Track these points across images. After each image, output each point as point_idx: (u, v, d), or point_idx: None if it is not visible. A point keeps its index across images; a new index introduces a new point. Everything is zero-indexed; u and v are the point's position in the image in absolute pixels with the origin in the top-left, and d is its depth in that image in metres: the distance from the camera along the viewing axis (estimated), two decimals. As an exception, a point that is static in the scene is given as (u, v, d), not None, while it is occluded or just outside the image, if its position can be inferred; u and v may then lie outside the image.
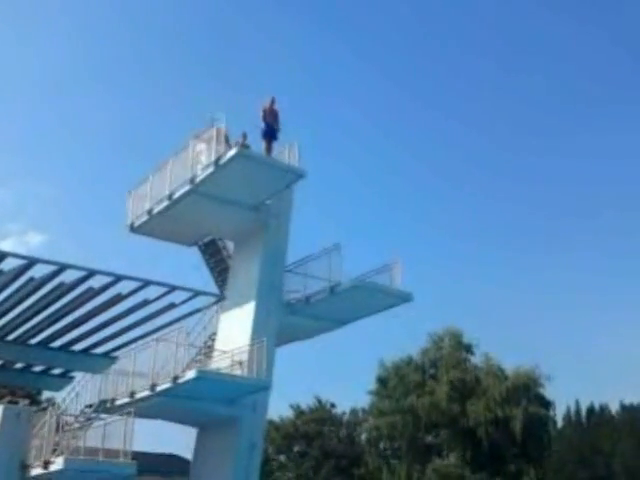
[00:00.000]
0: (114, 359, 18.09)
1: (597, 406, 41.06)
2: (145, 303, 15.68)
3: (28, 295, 14.65)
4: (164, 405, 16.59)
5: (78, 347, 18.07)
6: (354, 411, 46.01)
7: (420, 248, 66.06)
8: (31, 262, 13.31)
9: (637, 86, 68.38)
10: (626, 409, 40.20)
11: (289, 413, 44.98)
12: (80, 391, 17.93)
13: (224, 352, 17.36)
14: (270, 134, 17.94)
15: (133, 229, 19.03)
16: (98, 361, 18.32)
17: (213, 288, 19.99)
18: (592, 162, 70.55)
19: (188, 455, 20.96)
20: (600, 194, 68.88)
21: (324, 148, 65.14)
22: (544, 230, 70.57)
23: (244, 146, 16.93)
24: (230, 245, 20.01)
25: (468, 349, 40.16)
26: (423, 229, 73.96)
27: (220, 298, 17.67)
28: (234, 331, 17.92)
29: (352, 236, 64.09)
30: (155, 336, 17.32)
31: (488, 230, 72.78)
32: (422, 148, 77.90)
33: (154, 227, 18.76)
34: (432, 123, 76.00)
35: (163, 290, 15.02)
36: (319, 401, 45.00)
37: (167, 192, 17.66)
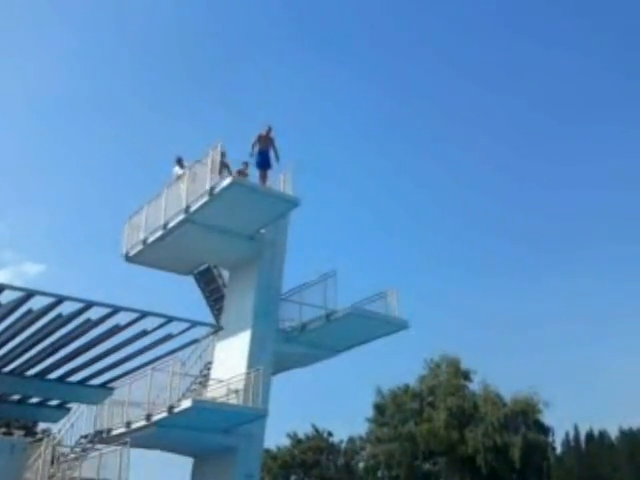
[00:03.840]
0: (111, 390, 18.06)
1: (596, 431, 40.91)
2: (143, 334, 15.67)
3: (25, 327, 14.65)
4: (160, 435, 16.54)
5: (75, 379, 17.99)
6: (351, 439, 45.68)
7: (418, 274, 66.14)
8: (29, 294, 13.30)
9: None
10: (625, 434, 39.98)
11: (286, 442, 44.69)
12: (75, 422, 17.87)
13: (220, 381, 17.38)
14: (264, 163, 18.13)
15: (128, 258, 19.18)
16: (95, 392, 18.20)
17: (208, 316, 20.06)
18: (581, 191, 71.21)
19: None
20: (592, 225, 69.45)
21: (321, 171, 65.57)
22: (539, 258, 70.78)
23: (243, 174, 17.11)
24: (225, 273, 20.13)
25: (466, 376, 40.02)
26: (420, 255, 74.18)
27: (217, 328, 17.74)
28: (230, 360, 17.95)
29: (348, 262, 64.24)
30: (152, 366, 17.29)
31: (484, 258, 72.91)
32: (421, 173, 78.56)
33: (149, 256, 18.90)
34: (431, 147, 76.64)
35: (161, 321, 15.02)
36: (316, 429, 44.67)
37: (162, 221, 17.83)
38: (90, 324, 14.57)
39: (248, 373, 16.80)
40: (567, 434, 41.35)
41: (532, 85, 75.52)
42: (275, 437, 43.12)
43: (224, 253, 18.98)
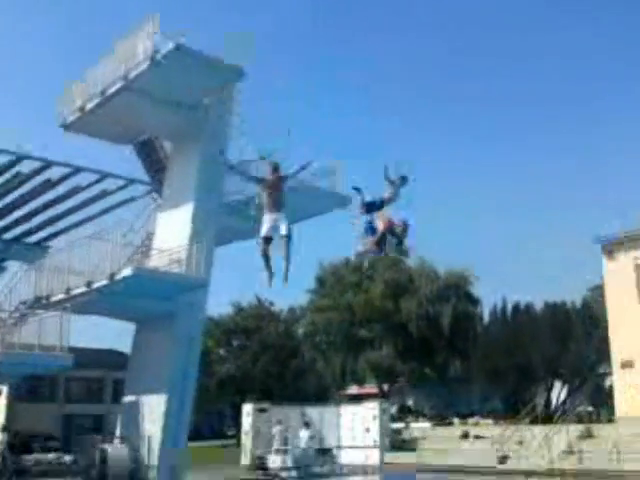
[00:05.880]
0: (46, 249, 17.97)
1: (523, 304, 43.02)
2: (77, 190, 15.34)
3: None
4: (101, 302, 16.77)
5: (9, 236, 17.69)
6: (292, 309, 47.42)
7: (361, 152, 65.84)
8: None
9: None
10: (549, 306, 42.23)
11: (230, 311, 46.09)
12: (14, 287, 17.89)
13: (162, 251, 17.53)
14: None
15: (66, 127, 18.45)
16: (31, 250, 18.07)
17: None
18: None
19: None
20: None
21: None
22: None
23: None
24: (168, 145, 19.72)
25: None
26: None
27: (153, 189, 17.45)
28: (172, 231, 18.01)
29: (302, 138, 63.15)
30: (89, 225, 17.12)
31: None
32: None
33: (87, 125, 18.20)
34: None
35: (95, 177, 14.70)
36: (258, 299, 46.06)
37: (100, 88, 17.12)
38: (21, 178, 14.10)
39: (190, 244, 16.96)
40: (495, 305, 43.51)
41: None
42: (220, 308, 44.31)
43: (165, 123, 18.46)
